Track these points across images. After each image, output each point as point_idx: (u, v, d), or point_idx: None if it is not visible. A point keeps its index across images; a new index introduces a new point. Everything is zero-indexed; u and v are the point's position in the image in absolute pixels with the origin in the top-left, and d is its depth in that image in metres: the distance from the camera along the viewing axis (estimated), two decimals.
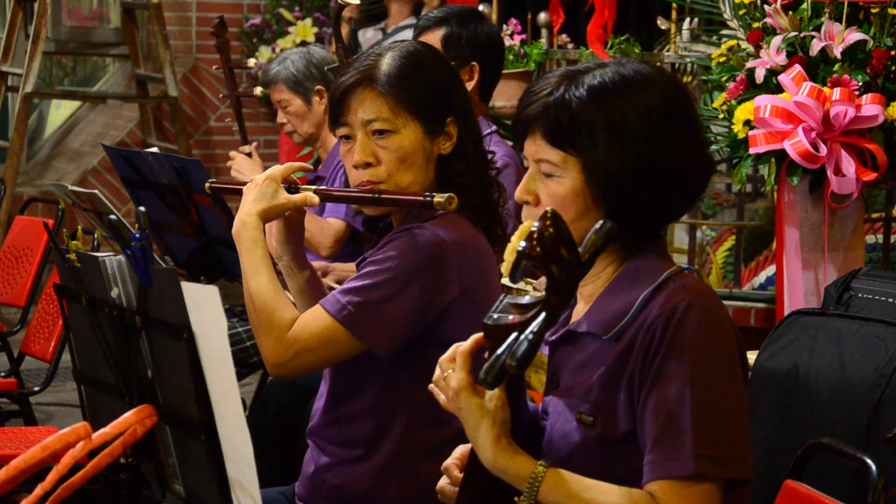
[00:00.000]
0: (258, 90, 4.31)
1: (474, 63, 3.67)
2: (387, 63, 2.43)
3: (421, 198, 2.34)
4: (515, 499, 1.85)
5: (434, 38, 3.68)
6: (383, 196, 2.40)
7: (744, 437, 1.88)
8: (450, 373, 1.87)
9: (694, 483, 1.83)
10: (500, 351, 1.65)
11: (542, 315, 1.65)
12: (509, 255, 1.71)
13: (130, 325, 2.02)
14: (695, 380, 1.85)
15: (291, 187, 2.48)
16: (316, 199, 2.46)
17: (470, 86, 3.67)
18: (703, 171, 2.00)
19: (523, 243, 1.64)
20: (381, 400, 2.43)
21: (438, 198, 2.31)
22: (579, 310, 2.03)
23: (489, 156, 2.55)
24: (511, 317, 1.76)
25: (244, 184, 2.50)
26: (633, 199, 1.93)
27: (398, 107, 2.42)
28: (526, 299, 1.76)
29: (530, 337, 1.63)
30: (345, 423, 2.47)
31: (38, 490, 1.88)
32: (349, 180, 2.49)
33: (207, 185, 2.71)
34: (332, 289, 2.66)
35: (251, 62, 4.47)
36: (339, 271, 3.79)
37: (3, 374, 4.28)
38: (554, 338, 2.02)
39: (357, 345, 2.37)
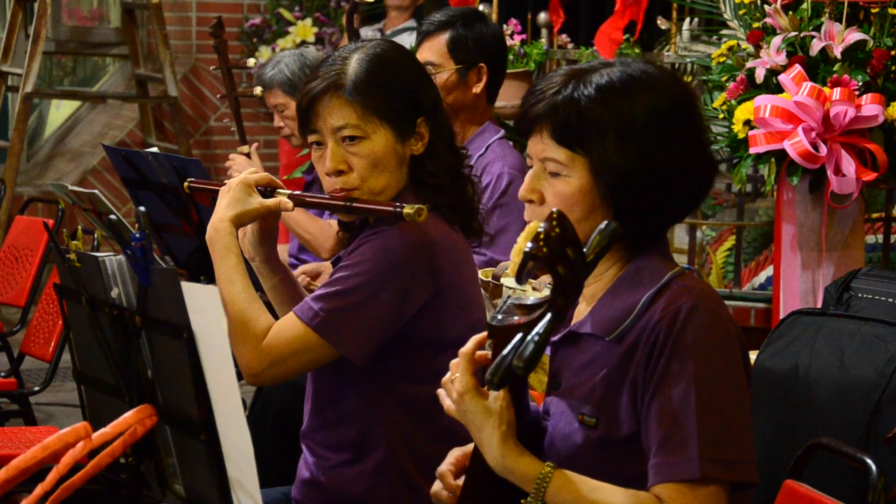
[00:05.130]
0: (258, 90, 4.31)
1: (482, 65, 3.67)
2: (353, 69, 2.42)
3: (391, 209, 2.33)
4: (522, 501, 1.85)
5: (439, 42, 3.67)
6: (354, 205, 2.39)
7: (748, 439, 1.88)
8: (456, 376, 1.87)
9: (700, 486, 1.83)
10: (505, 352, 1.65)
11: (548, 316, 1.65)
12: (516, 256, 1.71)
13: (130, 325, 2.02)
14: (699, 382, 1.84)
15: (267, 191, 2.48)
16: (290, 203, 2.45)
17: (478, 88, 3.67)
18: (708, 172, 2.00)
19: (530, 244, 1.64)
20: (364, 402, 2.43)
21: (408, 209, 2.30)
22: (581, 310, 2.03)
23: (462, 151, 2.54)
24: (516, 318, 1.76)
25: (222, 184, 2.50)
26: (640, 199, 1.93)
27: (367, 113, 2.40)
28: (530, 300, 1.76)
29: (536, 338, 1.63)
30: (331, 427, 2.47)
31: (38, 490, 1.88)
32: (322, 187, 2.48)
33: (186, 184, 2.70)
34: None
35: (251, 62, 4.46)
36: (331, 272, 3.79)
37: (3, 374, 4.28)
38: (556, 338, 2.02)
39: (331, 351, 2.36)
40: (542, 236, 1.63)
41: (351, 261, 2.38)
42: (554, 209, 1.66)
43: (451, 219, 2.48)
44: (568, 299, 1.66)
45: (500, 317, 1.78)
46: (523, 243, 1.68)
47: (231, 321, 2.37)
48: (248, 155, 4.43)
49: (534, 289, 2.81)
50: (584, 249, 1.68)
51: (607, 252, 1.72)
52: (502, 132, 3.70)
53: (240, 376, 2.15)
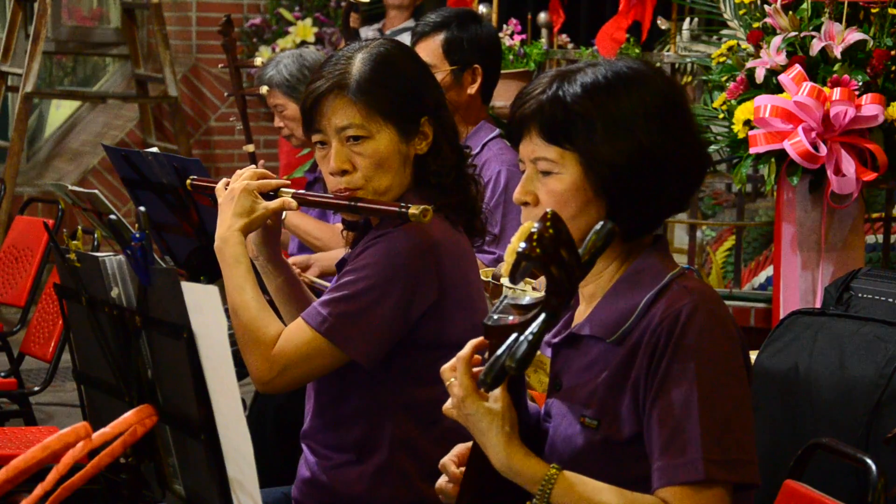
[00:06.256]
0: (264, 89, 4.31)
1: (477, 66, 3.68)
2: (357, 68, 2.41)
3: (396, 209, 2.33)
4: (528, 503, 1.84)
5: (434, 43, 3.68)
6: (359, 205, 2.39)
7: (750, 440, 1.88)
8: (452, 381, 1.86)
9: (705, 488, 1.83)
10: (499, 352, 1.65)
11: (542, 316, 1.65)
12: (509, 257, 1.71)
13: (130, 325, 2.02)
14: (701, 384, 1.84)
15: (269, 192, 2.48)
16: (294, 203, 2.45)
17: (473, 88, 3.68)
18: (700, 163, 2.00)
19: (523, 244, 1.63)
20: (368, 404, 2.43)
21: (413, 209, 2.30)
22: (581, 311, 2.03)
23: (465, 149, 2.55)
24: (511, 317, 1.75)
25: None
26: (633, 191, 1.93)
27: (371, 112, 2.40)
28: (526, 300, 1.76)
29: (530, 338, 1.63)
30: (333, 428, 2.47)
31: (38, 490, 1.88)
32: (326, 187, 2.48)
33: (188, 182, 2.71)
34: (314, 286, 2.65)
35: (258, 61, 4.46)
36: (321, 263, 3.79)
37: (3, 374, 4.28)
38: (556, 340, 2.02)
39: (341, 356, 2.37)
40: (535, 237, 1.62)
41: (357, 264, 2.38)
42: (548, 210, 1.65)
43: (455, 219, 2.48)
44: (562, 299, 1.65)
45: (495, 317, 1.78)
46: (517, 243, 1.68)
47: (241, 329, 2.38)
48: (252, 154, 4.43)
49: (533, 289, 2.81)
50: (580, 250, 1.67)
51: (603, 252, 1.71)
52: (497, 131, 3.70)
53: (240, 376, 2.15)
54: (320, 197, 2.48)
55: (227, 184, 2.49)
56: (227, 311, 2.60)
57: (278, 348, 2.36)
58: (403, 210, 2.31)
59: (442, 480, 2.02)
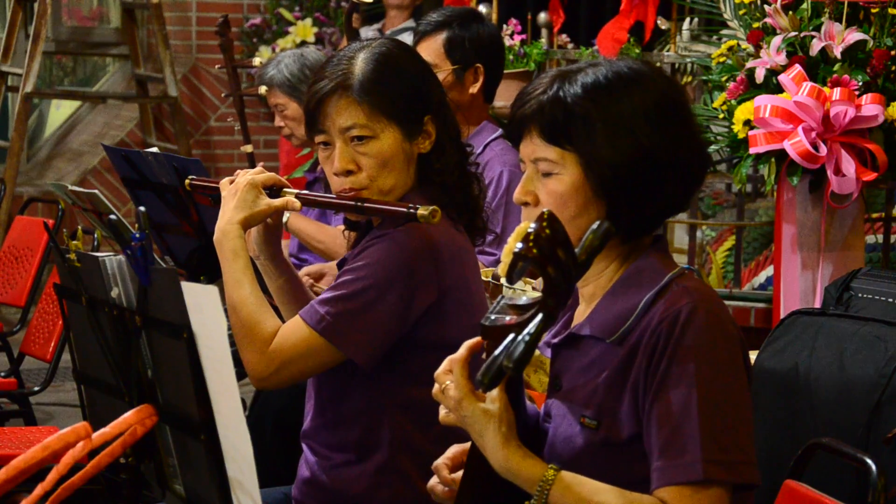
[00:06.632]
0: (262, 89, 4.31)
1: (479, 65, 3.68)
2: (360, 68, 2.41)
3: (404, 209, 2.33)
4: (525, 503, 1.84)
5: (436, 42, 3.68)
6: (366, 205, 2.39)
7: (750, 440, 1.88)
8: (448, 384, 1.86)
9: (703, 488, 1.83)
10: (496, 352, 1.65)
11: (539, 316, 1.65)
12: (506, 257, 1.71)
13: (130, 325, 2.02)
14: (700, 384, 1.84)
15: (273, 190, 2.47)
16: (297, 203, 2.45)
17: (475, 88, 3.68)
18: (700, 163, 2.00)
19: (520, 245, 1.63)
20: (367, 404, 2.43)
21: (422, 210, 2.30)
22: (581, 311, 2.03)
23: (468, 147, 2.55)
24: (508, 318, 1.75)
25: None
26: (633, 191, 1.93)
27: (374, 112, 2.40)
28: (523, 300, 1.76)
29: (527, 338, 1.63)
30: (333, 427, 2.47)
31: (38, 490, 1.88)
32: (330, 187, 2.48)
33: (187, 181, 2.70)
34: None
35: (256, 61, 4.46)
36: (335, 272, 3.78)
37: (3, 374, 4.28)
38: (556, 340, 2.02)
39: (338, 355, 2.36)
40: (531, 237, 1.62)
41: (356, 264, 2.38)
42: (544, 210, 1.65)
43: (457, 218, 2.48)
44: (559, 300, 1.65)
45: (492, 317, 1.78)
46: (513, 244, 1.68)
47: (239, 325, 2.37)
48: (251, 154, 4.43)
49: (533, 289, 2.81)
50: (577, 250, 1.67)
51: (600, 252, 1.71)
52: (500, 131, 3.70)
53: (240, 376, 2.15)
54: (326, 197, 2.48)
55: (232, 181, 2.49)
56: (226, 310, 2.61)
57: (275, 345, 2.36)
58: (412, 211, 2.31)
59: (433, 481, 2.03)
